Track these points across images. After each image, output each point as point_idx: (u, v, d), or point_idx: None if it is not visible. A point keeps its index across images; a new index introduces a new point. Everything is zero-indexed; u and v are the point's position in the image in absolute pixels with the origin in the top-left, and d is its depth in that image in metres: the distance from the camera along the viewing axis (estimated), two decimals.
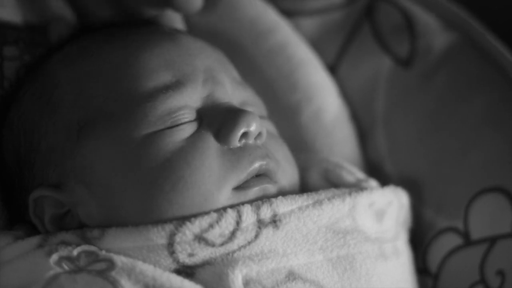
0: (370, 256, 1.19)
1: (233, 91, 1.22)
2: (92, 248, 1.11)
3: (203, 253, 1.12)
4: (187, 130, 1.16)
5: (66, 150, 1.17)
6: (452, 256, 1.27)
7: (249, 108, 1.20)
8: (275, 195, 1.16)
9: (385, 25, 1.37)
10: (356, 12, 1.39)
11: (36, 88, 1.23)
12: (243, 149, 1.16)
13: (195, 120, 1.17)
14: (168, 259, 1.11)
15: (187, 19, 1.40)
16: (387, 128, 1.36)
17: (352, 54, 1.39)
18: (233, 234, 1.12)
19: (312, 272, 1.15)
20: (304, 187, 1.25)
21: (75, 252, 1.10)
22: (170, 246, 1.11)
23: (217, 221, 1.11)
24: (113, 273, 1.08)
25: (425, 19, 1.36)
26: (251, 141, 1.17)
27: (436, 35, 1.35)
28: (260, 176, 1.16)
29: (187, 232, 1.10)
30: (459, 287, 1.25)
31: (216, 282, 1.11)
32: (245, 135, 1.16)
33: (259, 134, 1.17)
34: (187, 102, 1.17)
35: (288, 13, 1.42)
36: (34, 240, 1.13)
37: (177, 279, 1.09)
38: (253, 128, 1.16)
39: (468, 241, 1.26)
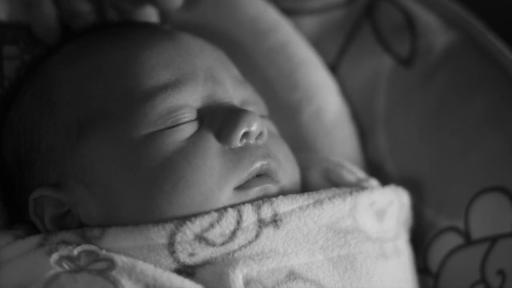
0: (371, 256, 1.19)
1: (233, 90, 1.22)
2: (92, 247, 1.11)
3: (203, 253, 1.12)
4: (188, 130, 1.16)
5: (66, 150, 1.17)
6: (453, 255, 1.27)
7: (250, 108, 1.20)
8: (276, 195, 1.15)
9: (386, 24, 1.37)
10: (356, 11, 1.39)
11: (36, 88, 1.23)
12: (244, 149, 1.16)
13: (195, 119, 1.17)
14: (168, 259, 1.11)
15: (167, 15, 1.39)
16: (388, 128, 1.36)
17: (353, 53, 1.39)
18: (233, 234, 1.12)
19: (313, 272, 1.15)
20: (304, 187, 1.25)
21: (75, 252, 1.10)
22: (171, 246, 1.11)
23: (218, 220, 1.11)
24: (113, 273, 1.08)
25: (426, 19, 1.36)
26: (252, 141, 1.17)
27: (437, 34, 1.34)
28: (261, 176, 1.16)
29: (188, 231, 1.10)
30: (460, 287, 1.25)
31: (217, 281, 1.11)
32: (246, 135, 1.16)
33: (260, 134, 1.17)
34: (187, 101, 1.17)
35: (289, 12, 1.41)
36: (35, 239, 1.13)
37: (178, 279, 1.09)
38: (254, 128, 1.16)
39: (468, 241, 1.26)
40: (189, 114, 1.17)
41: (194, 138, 1.15)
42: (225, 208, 1.12)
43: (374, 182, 1.26)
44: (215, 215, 1.11)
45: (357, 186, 1.22)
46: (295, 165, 1.24)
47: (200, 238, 1.11)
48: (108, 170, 1.15)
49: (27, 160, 1.21)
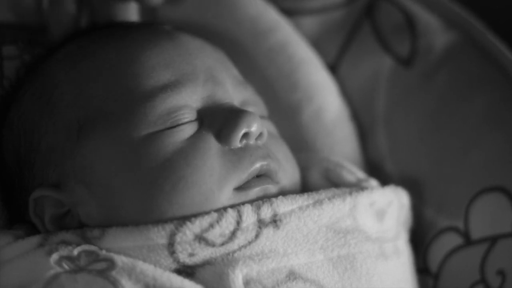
0: (371, 256, 1.19)
1: (233, 90, 1.22)
2: (92, 247, 1.11)
3: (203, 253, 1.12)
4: (188, 130, 1.16)
5: (66, 150, 1.17)
6: (453, 255, 1.27)
7: (250, 108, 1.20)
8: (276, 195, 1.15)
9: (386, 24, 1.37)
10: (356, 11, 1.39)
11: (36, 88, 1.23)
12: (244, 149, 1.16)
13: (195, 120, 1.17)
14: (168, 259, 1.11)
15: (150, 11, 1.39)
16: (387, 128, 1.36)
17: (353, 54, 1.39)
18: (233, 234, 1.12)
19: (313, 272, 1.15)
20: (304, 187, 1.25)
21: (75, 252, 1.10)
22: (171, 246, 1.11)
23: (218, 221, 1.11)
24: (113, 273, 1.08)
25: (426, 19, 1.36)
26: (252, 141, 1.17)
27: (437, 34, 1.34)
28: (261, 176, 1.16)
29: (188, 232, 1.10)
30: (460, 287, 1.25)
31: (217, 282, 1.11)
32: (246, 135, 1.16)
33: (260, 135, 1.17)
34: (187, 102, 1.17)
35: (289, 12, 1.41)
36: (35, 239, 1.13)
37: (178, 279, 1.09)
38: (254, 128, 1.16)
39: (468, 241, 1.26)
40: (189, 115, 1.17)
41: (194, 138, 1.15)
42: (225, 209, 1.12)
43: (374, 182, 1.26)
44: (215, 215, 1.11)
45: (357, 186, 1.22)
46: (295, 166, 1.24)
47: (200, 238, 1.11)
48: (108, 170, 1.15)
49: (27, 160, 1.21)
